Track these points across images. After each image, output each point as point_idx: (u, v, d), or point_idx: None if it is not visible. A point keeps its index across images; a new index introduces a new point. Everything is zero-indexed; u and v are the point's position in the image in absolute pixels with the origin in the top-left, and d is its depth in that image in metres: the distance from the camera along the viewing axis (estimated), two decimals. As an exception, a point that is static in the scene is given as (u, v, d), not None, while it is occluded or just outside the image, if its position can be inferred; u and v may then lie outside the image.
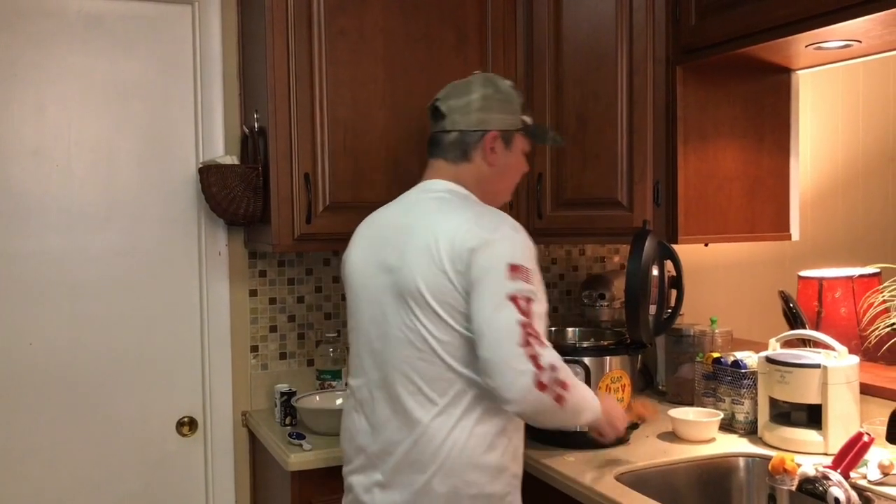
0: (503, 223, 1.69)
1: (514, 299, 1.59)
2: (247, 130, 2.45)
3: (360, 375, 1.80)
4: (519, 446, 1.78)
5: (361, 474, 1.78)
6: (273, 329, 2.64)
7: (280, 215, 2.25)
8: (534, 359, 1.56)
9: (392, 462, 1.71)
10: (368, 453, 1.76)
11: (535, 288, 1.64)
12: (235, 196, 2.32)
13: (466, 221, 1.68)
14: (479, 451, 1.68)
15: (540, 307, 1.64)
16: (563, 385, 1.60)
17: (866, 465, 1.81)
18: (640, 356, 2.24)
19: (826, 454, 1.97)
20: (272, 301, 2.64)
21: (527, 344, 1.57)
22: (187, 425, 2.56)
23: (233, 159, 2.43)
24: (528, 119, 1.91)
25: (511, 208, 2.53)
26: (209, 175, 2.35)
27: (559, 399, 1.59)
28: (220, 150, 2.55)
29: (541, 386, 1.56)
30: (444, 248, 1.65)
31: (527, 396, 1.56)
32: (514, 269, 1.61)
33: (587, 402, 1.72)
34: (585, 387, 1.74)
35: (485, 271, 1.61)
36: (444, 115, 1.83)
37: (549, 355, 1.60)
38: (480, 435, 1.68)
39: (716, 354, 2.34)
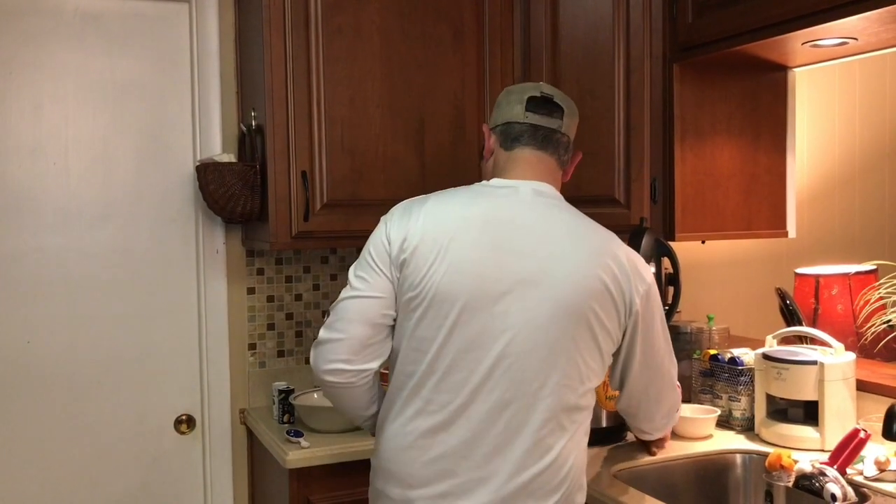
0: (642, 259, 1.74)
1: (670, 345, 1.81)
2: (244, 128, 2.45)
3: (462, 393, 1.55)
4: None
5: (442, 500, 1.56)
6: (271, 327, 2.65)
7: (277, 213, 2.25)
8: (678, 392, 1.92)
9: (503, 491, 1.54)
10: (462, 480, 1.56)
11: None
12: (233, 194, 2.32)
13: (626, 250, 1.68)
14: (584, 470, 1.69)
15: None
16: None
17: (863, 461, 1.82)
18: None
19: (823, 450, 1.98)
20: (270, 299, 2.64)
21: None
22: (185, 423, 2.56)
23: (230, 157, 2.42)
24: None
25: (508, 206, 2.53)
26: (207, 173, 2.35)
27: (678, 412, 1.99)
28: (218, 149, 2.55)
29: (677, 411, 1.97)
30: (613, 282, 1.60)
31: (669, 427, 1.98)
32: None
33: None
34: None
35: (657, 315, 1.72)
36: (564, 115, 1.72)
37: None
38: (586, 454, 1.69)
39: (713, 351, 2.35)
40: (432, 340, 1.56)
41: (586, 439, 1.67)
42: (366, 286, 1.63)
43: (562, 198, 1.71)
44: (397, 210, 1.68)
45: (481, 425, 1.54)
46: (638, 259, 1.69)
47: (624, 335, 1.66)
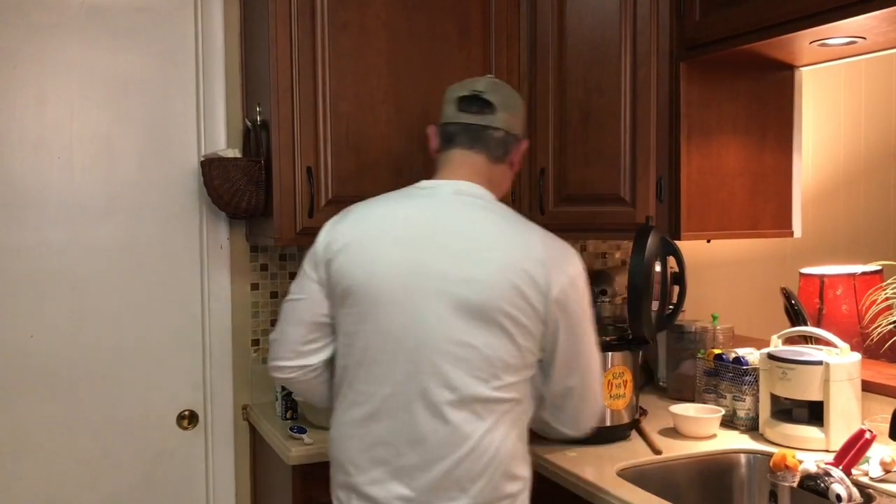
0: (570, 248, 1.72)
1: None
2: (249, 124, 2.44)
3: (385, 384, 1.64)
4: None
5: (379, 486, 1.65)
6: (274, 323, 2.63)
7: (282, 209, 2.25)
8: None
9: (426, 479, 1.61)
10: (394, 466, 1.63)
11: None
12: (238, 189, 2.31)
13: (546, 246, 1.67)
14: (515, 464, 1.67)
15: None
16: None
17: (868, 461, 1.81)
18: (640, 352, 2.23)
19: (828, 451, 1.97)
20: (273, 295, 2.63)
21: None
22: (188, 418, 2.56)
23: (235, 152, 2.42)
24: None
25: (513, 202, 2.53)
26: (212, 168, 2.34)
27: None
28: (222, 144, 2.54)
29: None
30: (530, 276, 1.61)
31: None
32: (590, 303, 1.74)
33: None
34: None
35: (581, 308, 1.69)
36: (495, 110, 1.76)
37: None
38: (516, 448, 1.68)
39: (717, 351, 2.34)
40: (357, 335, 1.66)
41: (517, 431, 1.67)
42: (297, 289, 1.77)
43: (487, 195, 1.74)
44: (335, 216, 1.79)
45: (403, 415, 1.62)
46: (562, 254, 1.68)
47: (547, 330, 1.66)
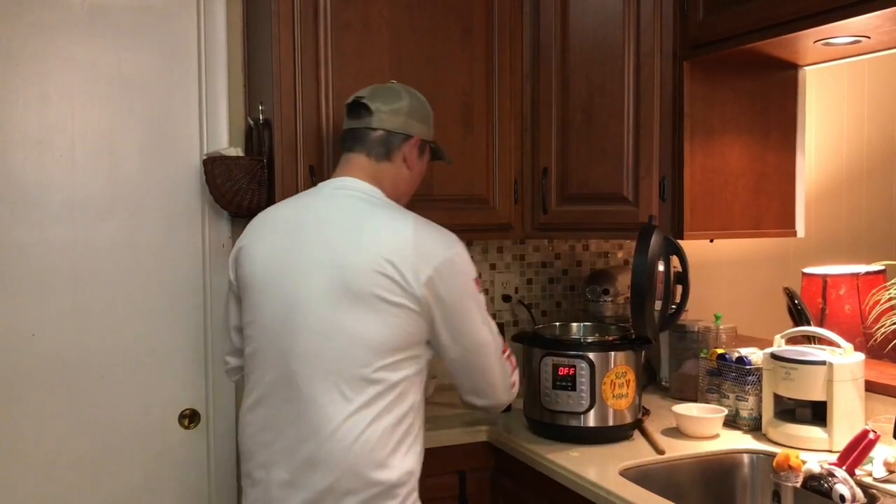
0: (447, 233, 1.76)
1: (485, 312, 1.79)
2: (251, 122, 2.44)
3: (268, 370, 1.74)
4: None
5: (264, 470, 1.73)
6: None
7: (284, 208, 2.24)
8: (511, 362, 1.88)
9: (297, 460, 1.67)
10: (273, 449, 1.72)
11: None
12: (240, 188, 2.31)
13: (417, 231, 1.72)
14: (387, 451, 1.67)
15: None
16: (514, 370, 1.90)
17: (871, 462, 1.81)
18: (643, 352, 2.23)
19: (831, 451, 1.97)
20: (275, 294, 2.63)
21: (504, 350, 1.86)
22: (189, 418, 2.56)
23: (237, 151, 2.41)
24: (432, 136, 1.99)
25: (516, 203, 2.52)
26: (214, 167, 2.34)
27: (514, 385, 1.91)
28: (225, 142, 2.54)
29: (514, 385, 1.90)
30: (400, 256, 1.67)
31: (512, 394, 1.90)
32: (477, 283, 1.78)
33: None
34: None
35: (461, 291, 1.73)
36: (372, 112, 1.84)
37: (512, 355, 1.91)
38: (390, 435, 1.67)
39: (720, 351, 2.34)
40: (249, 326, 1.80)
41: (392, 416, 1.67)
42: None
43: (368, 189, 1.81)
44: None
45: (279, 398, 1.71)
46: (434, 238, 1.73)
47: (422, 311, 1.68)
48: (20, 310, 2.37)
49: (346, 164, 1.86)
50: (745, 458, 2.07)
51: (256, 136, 2.40)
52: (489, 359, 1.81)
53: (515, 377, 1.90)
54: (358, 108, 1.86)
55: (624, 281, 2.69)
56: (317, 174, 2.25)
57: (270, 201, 2.32)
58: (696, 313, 2.71)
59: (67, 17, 2.40)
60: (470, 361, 1.79)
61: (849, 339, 2.11)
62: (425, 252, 1.69)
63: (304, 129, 2.25)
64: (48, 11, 2.37)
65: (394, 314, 1.66)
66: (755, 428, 2.19)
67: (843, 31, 1.94)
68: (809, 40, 2.05)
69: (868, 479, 1.78)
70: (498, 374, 1.84)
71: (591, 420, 2.11)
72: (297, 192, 2.25)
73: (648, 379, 2.72)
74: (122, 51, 2.46)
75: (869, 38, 2.01)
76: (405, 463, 1.69)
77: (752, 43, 2.06)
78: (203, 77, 2.53)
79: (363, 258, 1.67)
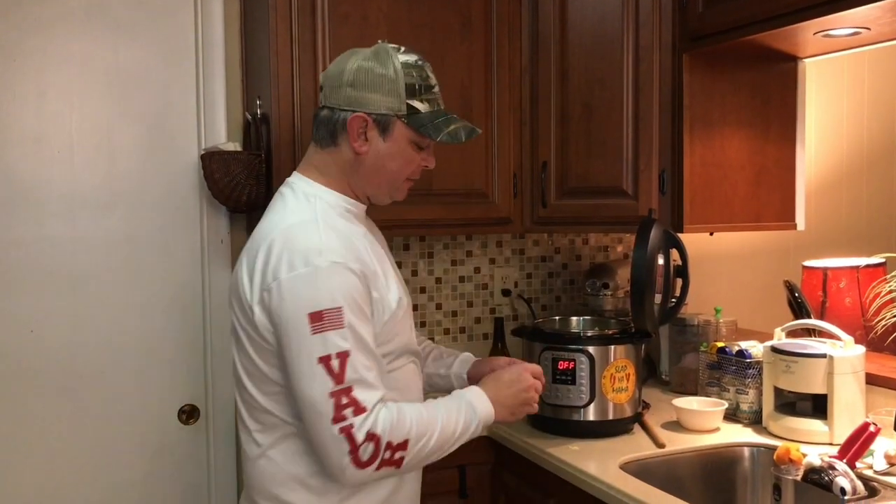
0: (307, 252, 1.46)
1: (324, 362, 1.41)
2: (249, 117, 2.43)
3: None
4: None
5: None
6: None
7: (283, 203, 2.23)
8: (349, 436, 1.40)
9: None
10: None
11: (348, 327, 1.43)
12: (238, 183, 2.30)
13: (268, 247, 1.48)
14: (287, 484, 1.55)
15: (359, 344, 1.44)
16: (395, 447, 1.44)
17: (872, 455, 1.81)
18: (643, 346, 2.23)
19: (832, 444, 1.96)
20: (274, 289, 2.62)
21: (340, 419, 1.41)
22: (189, 413, 2.55)
23: (235, 146, 2.41)
24: (419, 105, 1.60)
25: (515, 197, 2.52)
26: (212, 162, 2.33)
27: (394, 462, 1.45)
28: (223, 137, 2.53)
29: (361, 464, 1.42)
30: (246, 274, 1.52)
31: (348, 477, 1.44)
32: (317, 319, 1.42)
33: (452, 429, 1.54)
34: (442, 411, 1.55)
35: (286, 326, 1.44)
36: (322, 87, 1.61)
37: (368, 422, 1.42)
38: (290, 468, 1.55)
39: (720, 344, 2.33)
40: None
41: (286, 448, 1.53)
42: None
43: (301, 186, 1.61)
44: None
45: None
46: (292, 249, 1.46)
47: (260, 336, 1.50)
48: (19, 307, 2.37)
49: (304, 156, 1.70)
50: (746, 451, 2.07)
51: (254, 130, 2.39)
52: (309, 417, 1.45)
53: (365, 453, 1.42)
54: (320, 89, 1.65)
55: (624, 275, 2.68)
56: (315, 169, 2.24)
57: (269, 196, 2.30)
58: (696, 307, 2.71)
59: (65, 13, 2.39)
60: (297, 405, 1.48)
61: (849, 331, 2.11)
62: (273, 266, 1.46)
63: (301, 123, 2.24)
64: (46, 7, 2.36)
65: (252, 339, 1.53)
66: (756, 421, 2.18)
67: (843, 22, 1.93)
68: (809, 32, 2.04)
69: (869, 472, 1.78)
70: (321, 439, 1.44)
71: (592, 414, 2.11)
72: (295, 186, 2.25)
73: (649, 373, 2.71)
74: (120, 46, 2.45)
75: (869, 29, 2.00)
76: (303, 499, 1.58)
77: (751, 35, 2.05)
78: (201, 72, 2.53)
79: (235, 275, 1.59)
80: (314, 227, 1.50)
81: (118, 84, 2.45)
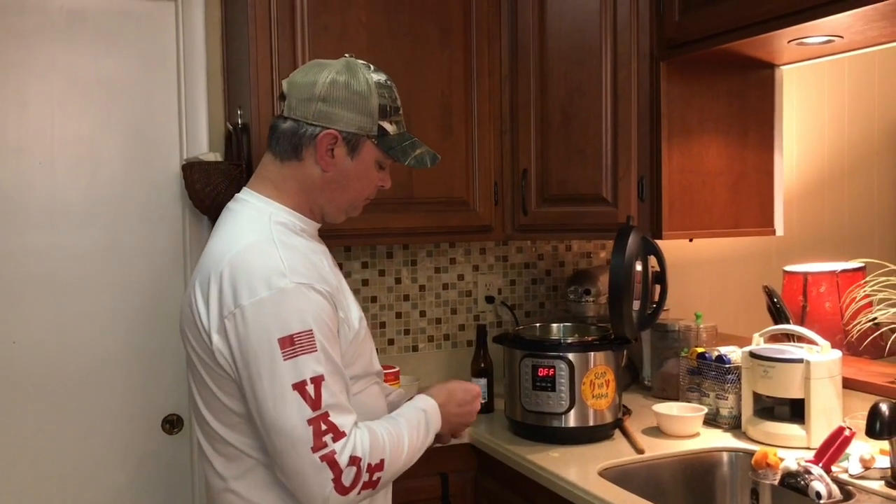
0: (269, 274, 1.39)
1: (298, 388, 1.35)
2: (230, 127, 2.44)
3: None
4: None
5: None
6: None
7: (264, 212, 2.24)
8: (331, 463, 1.35)
9: None
10: None
11: (320, 350, 1.38)
12: (219, 193, 2.31)
13: (224, 271, 1.41)
14: None
15: (331, 367, 1.39)
16: (374, 468, 1.41)
17: (848, 458, 1.82)
18: (625, 351, 2.24)
19: (809, 448, 1.98)
20: (257, 298, 2.62)
21: (321, 446, 1.35)
22: (173, 423, 2.55)
23: (216, 156, 2.42)
24: (389, 126, 1.56)
25: (496, 204, 2.53)
26: (192, 172, 2.34)
27: (372, 483, 1.41)
28: (205, 147, 2.53)
29: (344, 490, 1.37)
30: (201, 300, 1.43)
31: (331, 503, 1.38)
32: (288, 344, 1.35)
33: (417, 443, 1.52)
34: (405, 426, 1.52)
35: (253, 354, 1.36)
36: (285, 97, 1.53)
37: (349, 445, 1.37)
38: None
39: (700, 349, 2.35)
40: None
41: (251, 481, 1.48)
42: None
43: (253, 203, 1.54)
44: None
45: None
46: (251, 273, 1.39)
47: (219, 364, 1.43)
48: (1, 317, 2.36)
49: (258, 167, 1.61)
50: (725, 456, 2.08)
51: (236, 140, 2.40)
52: (282, 445, 1.38)
53: (347, 478, 1.37)
54: (281, 99, 1.57)
55: (606, 281, 2.68)
56: (296, 178, 2.25)
57: (250, 206, 2.31)
58: (677, 312, 2.72)
59: (45, 23, 2.39)
60: (267, 438, 1.40)
61: (829, 336, 2.13)
62: (231, 292, 1.39)
63: (282, 133, 2.24)
64: (26, 17, 2.37)
65: (204, 367, 1.48)
66: (735, 426, 2.20)
67: (816, 31, 1.95)
68: (783, 40, 2.06)
69: (844, 476, 1.79)
70: (299, 470, 1.37)
71: (572, 420, 2.12)
72: (276, 196, 2.25)
73: (631, 378, 2.73)
74: (102, 56, 2.46)
75: (842, 37, 2.02)
76: None
77: (727, 43, 2.07)
78: (182, 82, 2.53)
79: (185, 298, 1.53)
80: (271, 247, 1.43)
81: (99, 94, 2.46)
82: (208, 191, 2.31)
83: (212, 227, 2.52)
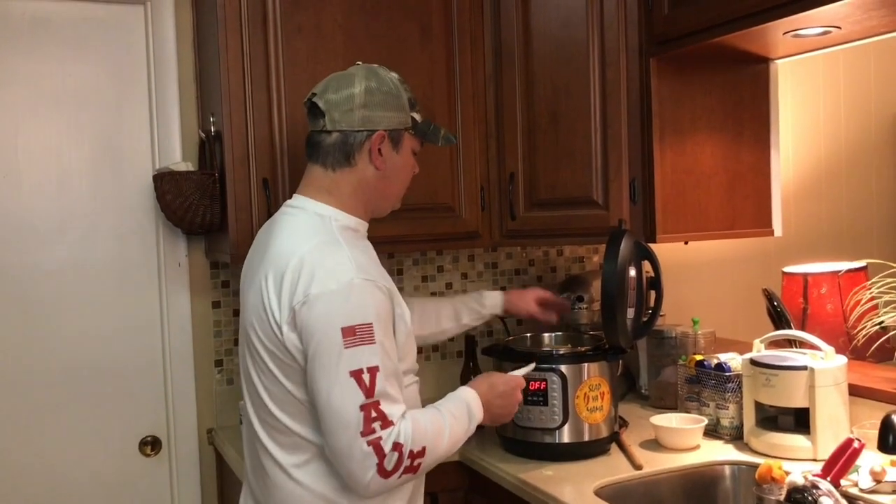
0: (338, 269, 1.52)
1: (355, 375, 1.47)
2: (203, 135, 2.34)
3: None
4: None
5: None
6: (237, 342, 2.53)
7: (238, 223, 2.15)
8: (377, 447, 1.46)
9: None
10: (248, 489, 1.76)
11: (378, 343, 1.49)
12: (191, 204, 2.21)
13: (296, 266, 1.53)
14: None
15: (386, 360, 1.51)
16: (415, 455, 1.51)
17: (857, 471, 1.73)
18: (620, 360, 2.15)
19: (815, 460, 1.89)
20: (236, 313, 2.52)
21: (370, 431, 1.46)
22: (150, 445, 2.45)
23: (188, 166, 2.32)
24: (417, 116, 1.73)
25: (483, 210, 2.44)
26: (163, 183, 2.24)
27: (413, 468, 1.52)
28: (178, 157, 2.44)
29: (386, 473, 1.48)
30: (273, 294, 1.55)
31: (370, 487, 1.49)
32: (350, 333, 1.47)
33: (459, 432, 1.63)
34: (448, 416, 1.61)
35: (317, 340, 1.49)
36: (323, 112, 1.65)
37: (394, 433, 1.48)
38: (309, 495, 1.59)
39: (699, 357, 2.25)
40: None
41: (313, 470, 1.58)
42: None
43: (311, 206, 1.65)
44: None
45: (244, 440, 1.74)
46: (323, 267, 1.52)
47: (287, 353, 1.54)
48: (-34, 338, 2.27)
49: (305, 177, 1.72)
50: (727, 469, 1.98)
51: (208, 149, 2.30)
52: (334, 424, 1.49)
53: (389, 463, 1.49)
54: (312, 111, 1.68)
55: (599, 286, 2.60)
56: (271, 188, 2.16)
57: (224, 217, 2.22)
58: (674, 317, 2.63)
59: (7, 29, 2.30)
60: (322, 419, 1.52)
61: (832, 339, 2.04)
62: (306, 282, 1.51)
63: (256, 140, 2.15)
64: (-13, 25, 2.28)
65: (272, 359, 1.58)
66: (737, 437, 2.10)
67: (812, 21, 1.87)
68: (778, 32, 1.97)
69: (854, 490, 1.70)
70: (346, 450, 1.49)
71: (566, 436, 2.02)
72: (250, 207, 2.19)
73: (628, 387, 2.63)
74: (68, 64, 2.37)
75: (839, 28, 1.93)
76: None
77: (719, 36, 1.99)
78: (153, 89, 2.44)
79: (252, 292, 1.62)
80: (338, 246, 1.56)
81: (67, 104, 2.37)
82: (180, 202, 2.22)
83: (188, 239, 2.46)
